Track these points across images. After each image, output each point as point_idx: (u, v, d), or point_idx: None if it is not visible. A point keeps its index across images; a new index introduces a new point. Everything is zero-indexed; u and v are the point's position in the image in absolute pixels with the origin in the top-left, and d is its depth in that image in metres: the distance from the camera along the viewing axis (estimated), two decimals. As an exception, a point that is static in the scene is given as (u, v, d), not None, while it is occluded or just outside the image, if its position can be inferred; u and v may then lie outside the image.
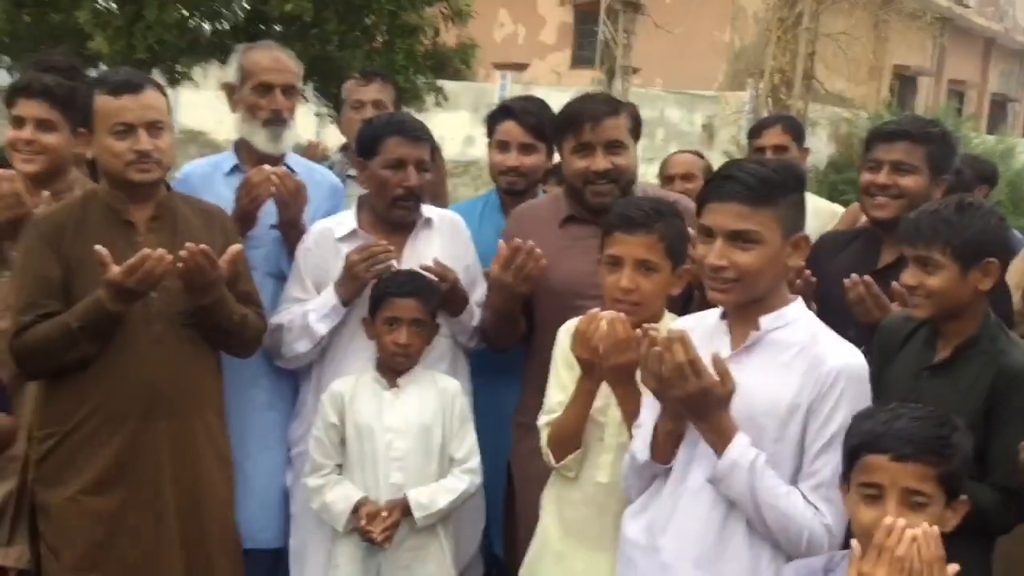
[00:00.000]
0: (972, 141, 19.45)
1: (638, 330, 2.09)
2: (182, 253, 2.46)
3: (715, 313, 2.20)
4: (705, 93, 17.65)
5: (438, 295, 2.83)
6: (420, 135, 2.94)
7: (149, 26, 6.82)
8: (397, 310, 2.75)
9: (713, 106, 17.05)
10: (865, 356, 2.10)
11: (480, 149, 3.89)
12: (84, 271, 2.52)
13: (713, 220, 2.05)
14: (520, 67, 20.40)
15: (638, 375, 2.12)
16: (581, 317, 2.33)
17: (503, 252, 2.75)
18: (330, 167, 3.68)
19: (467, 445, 2.81)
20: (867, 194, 2.90)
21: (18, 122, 2.87)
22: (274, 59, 3.16)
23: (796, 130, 4.08)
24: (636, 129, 2.94)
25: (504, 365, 3.08)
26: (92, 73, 3.58)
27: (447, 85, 9.24)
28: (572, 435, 2.37)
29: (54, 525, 2.57)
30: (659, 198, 2.61)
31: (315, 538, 2.87)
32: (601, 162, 2.82)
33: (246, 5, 7.55)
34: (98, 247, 2.42)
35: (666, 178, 4.29)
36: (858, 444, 1.83)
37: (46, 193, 2.77)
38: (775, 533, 1.99)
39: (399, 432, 2.75)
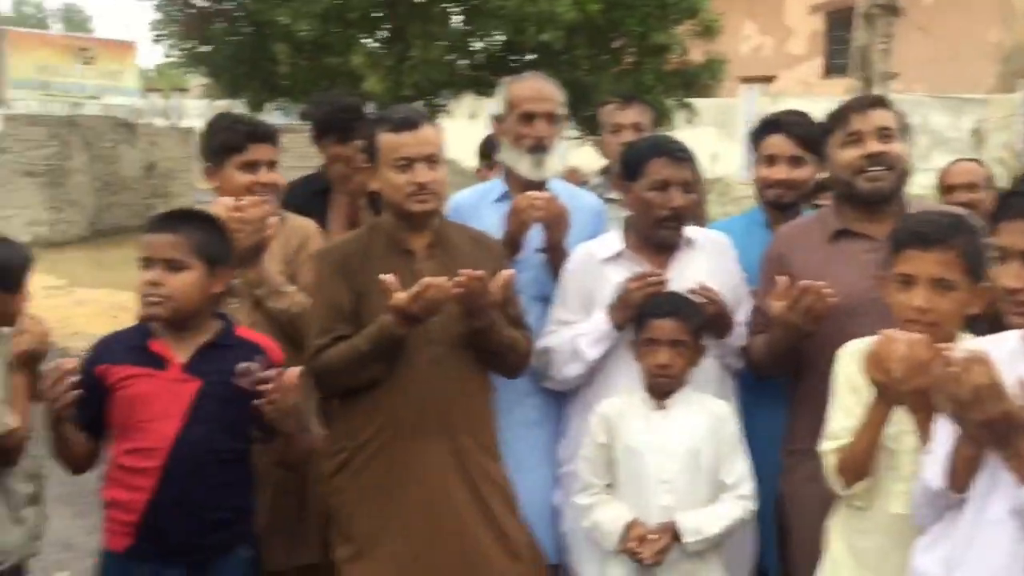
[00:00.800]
0: None
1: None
2: (458, 279, 2.57)
3: (1016, 335, 2.04)
4: (973, 96, 16.47)
5: (700, 316, 2.80)
6: (684, 156, 2.94)
7: (415, 65, 7.22)
8: (656, 331, 2.75)
9: (982, 110, 15.87)
10: None
11: (725, 166, 3.83)
12: (371, 297, 2.69)
13: (1009, 240, 1.92)
14: (767, 79, 19.87)
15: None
16: (875, 338, 2.21)
17: (784, 290, 2.67)
18: (591, 190, 3.74)
19: (739, 470, 2.76)
20: None
21: (254, 166, 3.04)
22: (536, 89, 3.28)
23: None
24: (905, 130, 2.82)
25: (760, 387, 3.01)
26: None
27: (693, 103, 9.16)
28: (863, 463, 2.27)
29: (346, 533, 2.74)
30: (953, 211, 2.46)
31: (587, 556, 2.91)
32: (873, 146, 2.72)
33: (499, 39, 7.83)
34: (384, 276, 2.58)
35: (946, 188, 4.04)
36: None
37: (276, 219, 2.94)
38: None
39: (668, 454, 2.74)
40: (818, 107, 3.32)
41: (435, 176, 2.74)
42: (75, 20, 56.13)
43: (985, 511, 1.95)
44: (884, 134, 2.74)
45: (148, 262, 2.47)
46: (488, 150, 4.56)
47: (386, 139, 2.74)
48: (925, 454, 2.11)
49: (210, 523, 2.46)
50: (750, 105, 16.54)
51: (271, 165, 3.07)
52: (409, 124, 2.74)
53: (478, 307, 2.65)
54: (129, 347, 2.51)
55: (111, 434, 2.51)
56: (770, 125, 3.32)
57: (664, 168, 2.89)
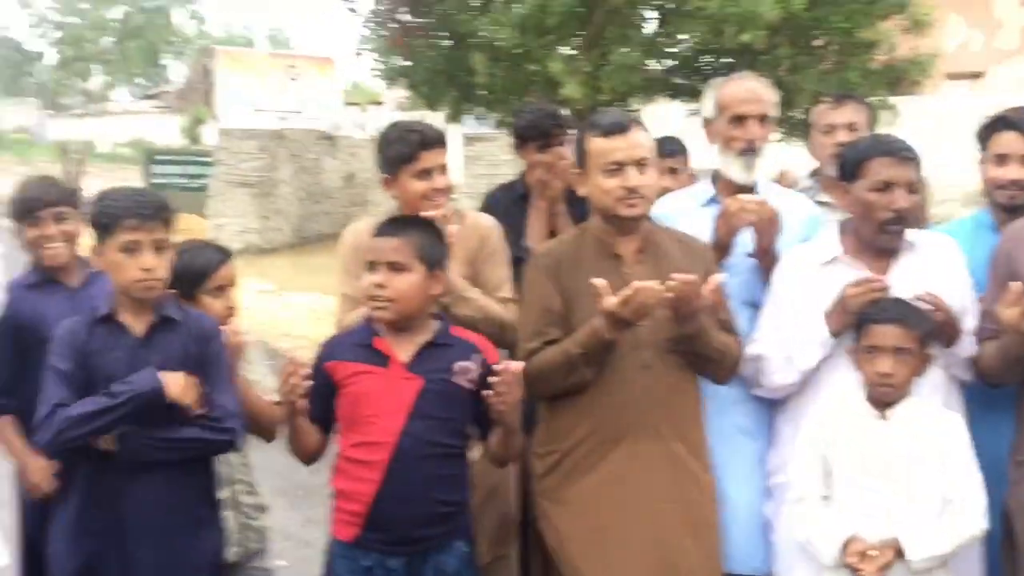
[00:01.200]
0: None
1: None
2: (670, 283, 2.55)
3: None
4: None
5: (927, 323, 2.67)
6: (908, 155, 2.81)
7: (612, 70, 7.23)
8: (878, 338, 2.64)
9: None
10: None
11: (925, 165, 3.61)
12: (581, 301, 2.71)
13: None
14: (976, 76, 18.73)
15: None
16: None
17: (1016, 296, 2.52)
18: (802, 193, 3.64)
19: (969, 485, 2.61)
20: None
21: (427, 173, 3.04)
22: (748, 90, 3.22)
23: None
24: None
25: (990, 396, 2.85)
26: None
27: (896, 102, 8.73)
28: None
29: (556, 533, 2.77)
30: None
31: (800, 569, 2.82)
32: None
33: (692, 42, 7.71)
34: (595, 280, 2.59)
35: None
36: None
37: (454, 227, 2.94)
38: None
39: (890, 466, 2.62)
40: None
41: (645, 180, 2.73)
42: (278, 39, 59.66)
43: None
44: None
45: (373, 265, 2.59)
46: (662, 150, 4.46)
47: (596, 143, 2.76)
48: None
49: (431, 516, 2.55)
50: (955, 104, 15.64)
51: (443, 170, 3.09)
52: (620, 128, 2.74)
53: (688, 312, 2.62)
54: (356, 345, 2.64)
55: (339, 427, 2.64)
56: (1000, 122, 3.12)
57: (887, 168, 2.77)
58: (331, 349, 2.68)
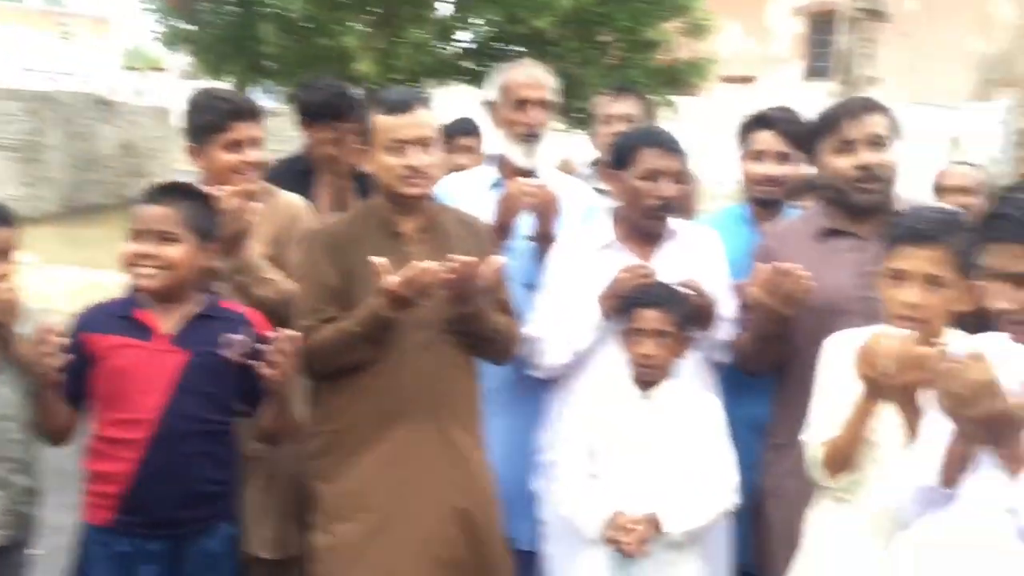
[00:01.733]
0: None
1: (928, 348, 2.00)
2: (449, 264, 2.57)
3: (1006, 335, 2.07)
4: (952, 105, 16.64)
5: (686, 307, 2.81)
6: (675, 147, 2.95)
7: (406, 49, 7.18)
8: (642, 321, 2.76)
9: (961, 118, 16.04)
10: None
11: (704, 162, 3.84)
12: (360, 279, 2.68)
13: (994, 262, 1.94)
14: (747, 80, 19.98)
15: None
16: (859, 335, 2.24)
17: (764, 275, 2.69)
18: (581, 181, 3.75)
19: (724, 463, 2.77)
20: None
21: (238, 145, 2.93)
22: (530, 76, 3.29)
23: None
24: (896, 130, 2.83)
25: (742, 380, 3.03)
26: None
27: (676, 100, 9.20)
28: (848, 455, 2.29)
29: (329, 516, 2.73)
30: (947, 209, 2.49)
31: (564, 545, 2.91)
32: (865, 157, 2.74)
33: (488, 27, 7.80)
34: (375, 258, 2.57)
35: (941, 190, 4.08)
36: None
37: (259, 205, 2.84)
38: None
39: (652, 444, 2.74)
40: (799, 110, 3.35)
41: (428, 160, 2.72)
42: (53, -6, 55.43)
43: (973, 507, 1.97)
44: (875, 142, 2.76)
45: (139, 234, 2.45)
46: (448, 132, 4.50)
47: (381, 121, 2.73)
48: (911, 449, 2.13)
49: (194, 497, 2.45)
50: (733, 105, 16.65)
51: (256, 143, 2.97)
52: (404, 106, 2.72)
53: (467, 293, 2.64)
54: (114, 317, 2.49)
55: (94, 405, 2.49)
56: (759, 121, 3.33)
57: (655, 158, 2.90)
58: (87, 320, 2.51)
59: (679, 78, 8.41)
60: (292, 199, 3.16)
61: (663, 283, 2.84)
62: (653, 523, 2.66)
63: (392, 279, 2.53)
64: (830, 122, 2.83)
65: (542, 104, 3.24)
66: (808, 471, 2.38)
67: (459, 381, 2.80)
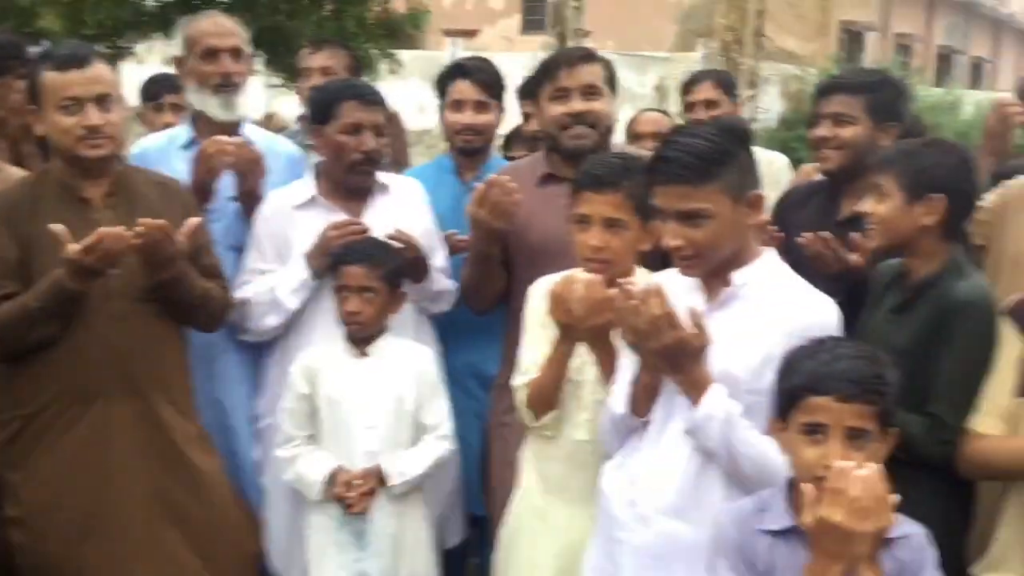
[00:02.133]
0: (920, 94, 19.70)
1: (614, 289, 2.09)
2: (138, 229, 2.42)
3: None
4: (656, 54, 17.66)
5: (394, 261, 2.79)
6: (375, 99, 2.93)
7: (98, 2, 6.65)
8: (347, 278, 2.74)
9: (665, 67, 17.06)
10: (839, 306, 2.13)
11: (433, 117, 3.86)
12: (41, 250, 2.47)
13: (662, 201, 2.07)
14: (470, 33, 20.26)
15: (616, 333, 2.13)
16: (557, 279, 2.32)
17: (479, 189, 2.74)
18: (290, 138, 3.65)
19: (439, 412, 2.81)
20: (815, 148, 2.96)
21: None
22: (217, 24, 3.14)
23: (727, 84, 4.12)
24: (611, 81, 2.94)
25: (479, 325, 3.08)
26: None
27: (398, 55, 9.15)
28: (550, 396, 2.38)
29: (27, 508, 2.52)
30: (627, 154, 2.61)
31: (287, 509, 2.87)
32: (578, 104, 2.82)
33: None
34: (54, 226, 2.37)
35: (634, 136, 4.30)
36: (800, 385, 1.83)
37: None
38: (753, 483, 2.01)
39: (370, 400, 2.74)
40: (518, 62, 3.42)
41: (109, 118, 2.53)
42: None
43: (664, 434, 2.12)
44: (590, 91, 2.84)
45: None
46: (152, 90, 4.27)
47: (50, 78, 2.51)
48: (608, 385, 2.25)
49: None
50: (454, 58, 16.82)
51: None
52: (76, 61, 2.52)
53: (162, 258, 2.50)
54: None
55: None
56: (455, 71, 3.36)
57: (355, 111, 2.86)
58: None
59: (397, 30, 8.36)
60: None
61: (369, 238, 2.82)
62: (376, 477, 2.68)
63: (74, 247, 2.35)
64: (548, 71, 2.89)
65: (234, 53, 3.08)
66: (517, 412, 2.46)
67: (162, 353, 2.65)
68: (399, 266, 2.81)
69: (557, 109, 2.85)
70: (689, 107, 4.03)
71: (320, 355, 2.81)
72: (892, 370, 1.86)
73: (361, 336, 2.78)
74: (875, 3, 25.25)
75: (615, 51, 18.12)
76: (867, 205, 2.40)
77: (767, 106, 15.00)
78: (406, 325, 2.96)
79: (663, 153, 2.07)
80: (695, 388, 2.03)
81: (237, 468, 2.96)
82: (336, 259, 2.77)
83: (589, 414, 2.37)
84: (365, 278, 2.73)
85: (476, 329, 3.10)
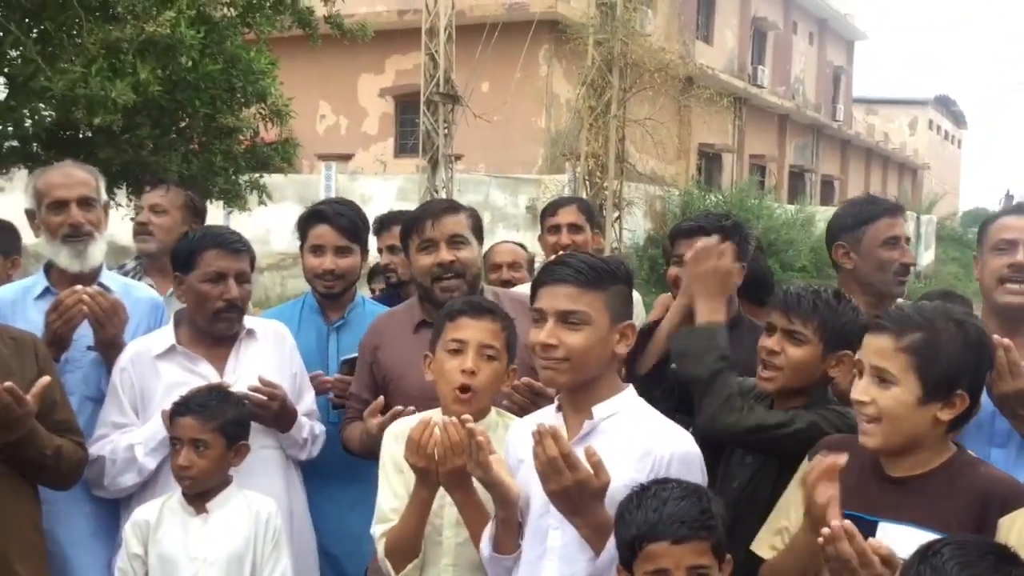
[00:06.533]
0: (775, 212, 20.88)
1: (474, 425, 2.15)
2: None
3: (550, 409, 2.28)
4: (526, 176, 18.21)
5: (232, 412, 2.71)
6: (239, 247, 2.93)
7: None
8: (177, 429, 2.66)
9: (535, 189, 17.59)
10: None
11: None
12: None
13: (545, 302, 2.16)
14: (345, 158, 20.47)
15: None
16: (412, 422, 2.32)
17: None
18: (124, 274, 3.60)
19: (278, 571, 2.70)
20: (675, 285, 3.09)
21: None
22: (65, 175, 3.07)
23: (589, 212, 4.27)
24: (477, 229, 3.02)
25: (354, 469, 3.04)
26: None
27: (272, 180, 9.21)
28: (412, 544, 2.33)
29: None
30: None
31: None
32: (445, 255, 2.89)
33: (51, 114, 7.27)
34: None
35: (492, 267, 4.42)
36: (636, 535, 1.89)
37: None
38: None
39: (206, 562, 2.63)
40: (392, 184, 3.46)
41: None
42: None
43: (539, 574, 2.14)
44: (456, 241, 2.92)
45: None
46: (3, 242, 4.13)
47: None
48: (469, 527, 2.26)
49: None
50: (329, 182, 16.96)
51: None
52: None
53: (9, 420, 2.42)
54: None
55: None
56: (315, 216, 3.36)
57: (218, 259, 2.86)
58: None
59: (265, 161, 8.43)
60: None
61: (206, 389, 2.75)
62: None
63: None
64: (415, 223, 2.96)
65: (83, 203, 3.03)
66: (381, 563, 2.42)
67: (13, 510, 2.55)
68: (237, 417, 2.73)
69: (426, 260, 2.92)
70: (553, 230, 4.15)
71: (155, 510, 2.69)
72: (716, 502, 1.95)
73: (195, 492, 2.68)
74: (730, 127, 26.78)
75: (487, 173, 18.66)
76: (777, 344, 2.46)
77: (633, 226, 15.58)
78: (275, 472, 2.92)
79: (561, 259, 2.21)
80: (596, 531, 2.04)
81: None
82: (171, 410, 2.70)
83: (451, 558, 2.35)
84: (197, 430, 2.64)
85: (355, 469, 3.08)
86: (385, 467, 2.47)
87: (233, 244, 2.92)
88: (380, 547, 2.39)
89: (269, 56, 8.03)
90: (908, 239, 3.06)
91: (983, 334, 2.07)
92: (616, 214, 14.23)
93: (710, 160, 26.25)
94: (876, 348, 2.03)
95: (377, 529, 2.41)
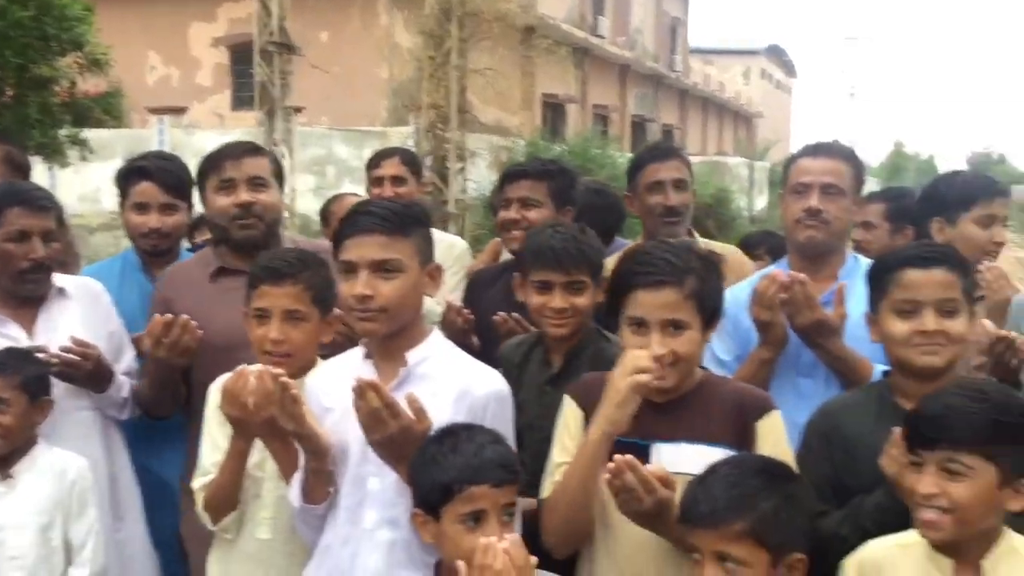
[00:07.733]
0: (618, 160, 21.32)
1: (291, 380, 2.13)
2: None
3: (357, 353, 2.28)
4: (370, 129, 17.94)
5: (33, 369, 2.63)
6: (45, 204, 2.79)
7: None
8: None
9: (379, 141, 17.33)
10: None
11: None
12: None
13: (355, 253, 2.14)
14: (178, 111, 19.65)
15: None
16: (228, 375, 2.29)
17: (155, 328, 2.66)
18: None
19: (84, 530, 2.64)
20: (504, 229, 3.17)
21: None
22: None
23: (413, 164, 4.27)
24: (279, 175, 2.99)
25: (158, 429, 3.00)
26: None
27: (100, 134, 8.73)
28: (229, 496, 2.32)
29: None
30: (302, 248, 2.66)
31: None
32: (244, 195, 2.85)
33: None
34: None
35: (337, 220, 4.31)
36: (456, 478, 1.91)
37: None
38: None
39: (15, 528, 2.55)
40: (230, 138, 3.36)
41: None
42: None
43: (360, 522, 2.15)
44: (256, 183, 2.87)
45: None
46: None
47: None
48: (289, 479, 2.26)
49: None
50: (162, 136, 16.25)
51: None
52: None
53: None
54: None
55: None
56: (138, 172, 3.24)
57: (22, 217, 2.72)
58: None
59: (86, 114, 7.98)
60: None
61: (6, 349, 2.65)
62: None
63: None
64: (213, 163, 2.89)
65: None
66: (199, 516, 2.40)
67: None
68: (40, 374, 2.64)
69: (224, 201, 2.87)
70: (376, 182, 4.12)
71: None
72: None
73: (2, 453, 2.59)
74: (574, 77, 27.10)
75: (330, 126, 18.28)
76: (564, 301, 2.51)
77: (477, 177, 15.59)
78: (92, 434, 2.83)
79: (362, 208, 2.20)
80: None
81: None
82: None
83: (271, 512, 2.35)
84: None
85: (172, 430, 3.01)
86: (208, 421, 2.44)
87: (38, 201, 2.78)
88: (199, 499, 2.36)
89: (84, 2, 7.57)
90: (679, 182, 3.40)
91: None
92: (460, 165, 14.18)
93: (554, 110, 26.51)
94: (663, 302, 2.11)
95: (197, 482, 2.38)
